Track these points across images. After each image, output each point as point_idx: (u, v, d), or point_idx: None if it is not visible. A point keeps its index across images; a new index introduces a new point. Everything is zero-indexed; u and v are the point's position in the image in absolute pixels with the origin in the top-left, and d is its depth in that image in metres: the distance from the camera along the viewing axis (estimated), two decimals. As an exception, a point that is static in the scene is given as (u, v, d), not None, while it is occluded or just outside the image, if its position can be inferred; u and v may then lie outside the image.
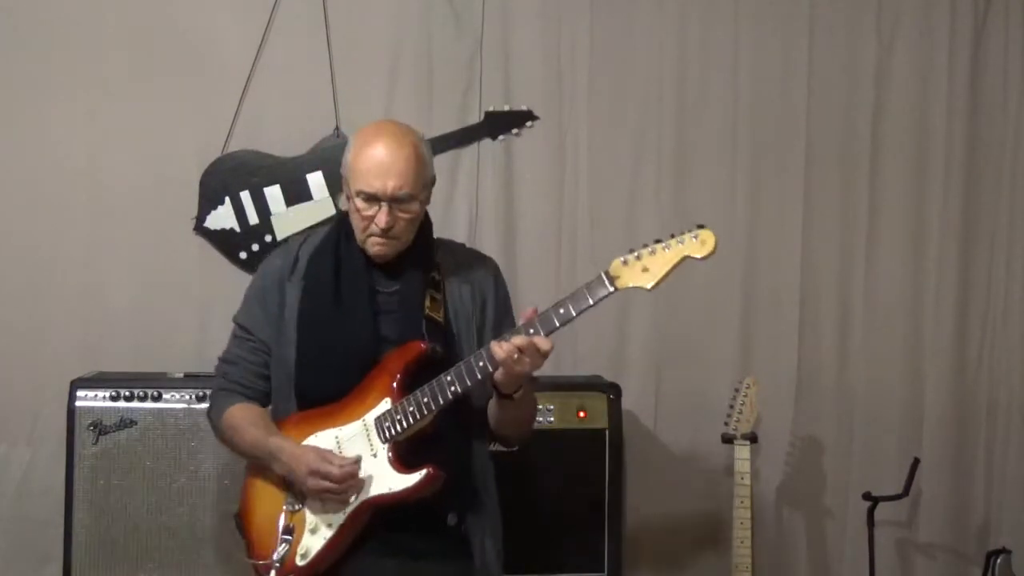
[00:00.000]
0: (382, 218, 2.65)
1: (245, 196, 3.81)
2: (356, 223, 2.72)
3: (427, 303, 2.73)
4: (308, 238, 2.90)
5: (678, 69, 3.96)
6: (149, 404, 3.41)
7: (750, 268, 3.99)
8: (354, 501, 2.64)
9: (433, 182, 2.77)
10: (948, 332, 4.03)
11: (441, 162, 3.87)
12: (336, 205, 3.82)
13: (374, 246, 2.71)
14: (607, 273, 2.52)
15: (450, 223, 3.87)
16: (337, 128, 3.81)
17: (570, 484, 3.51)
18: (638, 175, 3.97)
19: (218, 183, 3.81)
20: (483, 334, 2.78)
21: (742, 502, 3.49)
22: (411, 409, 2.63)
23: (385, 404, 2.66)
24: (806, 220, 4.00)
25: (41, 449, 3.70)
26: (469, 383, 2.61)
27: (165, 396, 3.41)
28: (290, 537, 2.48)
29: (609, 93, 3.95)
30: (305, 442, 2.70)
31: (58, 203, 3.76)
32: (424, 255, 2.80)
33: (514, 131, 3.92)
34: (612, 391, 3.58)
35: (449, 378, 2.61)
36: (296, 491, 2.70)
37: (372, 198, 2.65)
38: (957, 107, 4.00)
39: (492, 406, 2.75)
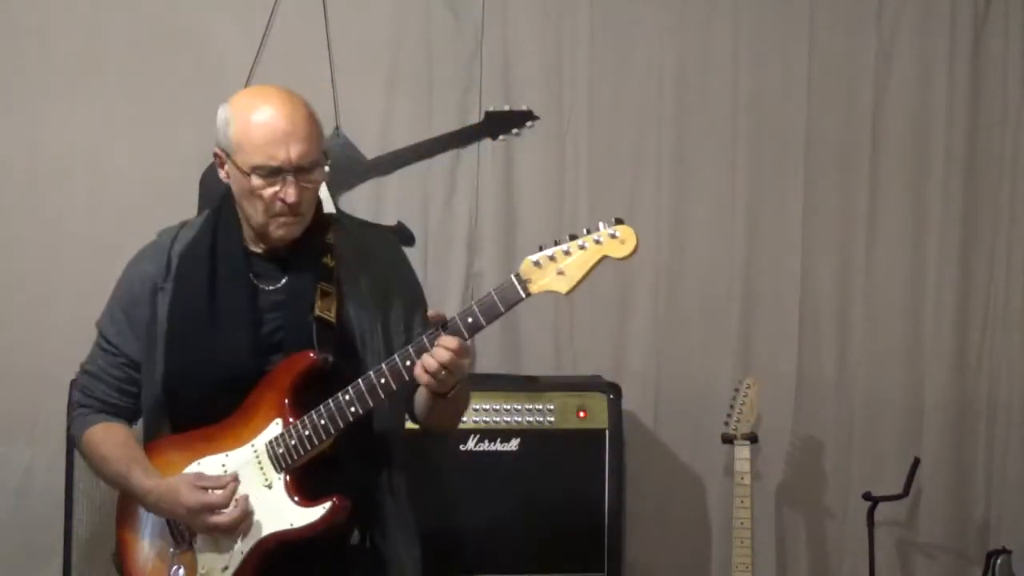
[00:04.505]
0: (291, 192, 2.32)
1: (245, 196, 3.81)
2: (256, 207, 2.37)
3: (318, 300, 2.38)
4: (180, 233, 2.53)
5: (678, 69, 3.96)
6: (149, 404, 3.40)
7: (750, 268, 3.99)
8: (248, 540, 2.33)
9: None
10: (948, 332, 4.02)
11: (441, 162, 3.89)
12: (336, 204, 3.81)
13: (280, 228, 2.38)
14: (519, 276, 2.25)
15: (450, 223, 3.88)
16: (337, 128, 3.81)
17: (570, 484, 3.50)
18: (638, 175, 3.97)
19: (218, 183, 3.79)
20: (389, 332, 2.44)
21: (742, 502, 3.49)
22: (307, 433, 2.31)
23: (276, 426, 2.34)
24: (806, 220, 3.99)
25: (41, 449, 3.69)
26: (371, 403, 2.30)
27: (165, 396, 3.40)
28: None
29: (609, 93, 3.95)
30: (187, 470, 2.38)
31: (58, 203, 3.76)
32: (315, 238, 2.44)
33: (514, 131, 3.92)
34: (612, 391, 3.57)
35: (348, 397, 2.30)
36: (177, 528, 2.41)
37: (275, 172, 2.32)
38: (957, 107, 4.00)
39: (421, 400, 2.44)
